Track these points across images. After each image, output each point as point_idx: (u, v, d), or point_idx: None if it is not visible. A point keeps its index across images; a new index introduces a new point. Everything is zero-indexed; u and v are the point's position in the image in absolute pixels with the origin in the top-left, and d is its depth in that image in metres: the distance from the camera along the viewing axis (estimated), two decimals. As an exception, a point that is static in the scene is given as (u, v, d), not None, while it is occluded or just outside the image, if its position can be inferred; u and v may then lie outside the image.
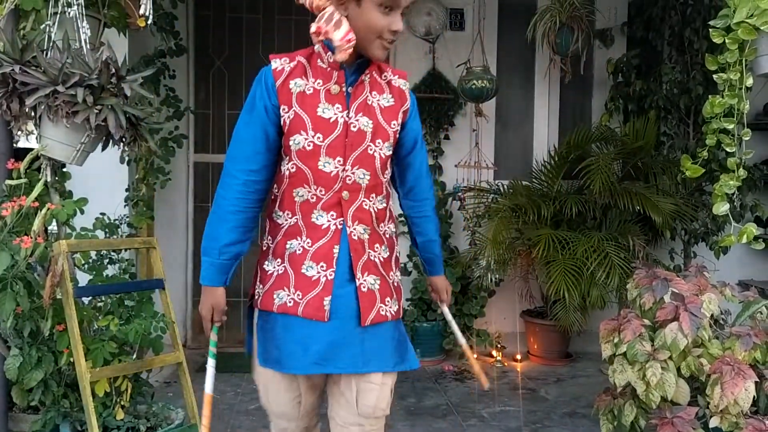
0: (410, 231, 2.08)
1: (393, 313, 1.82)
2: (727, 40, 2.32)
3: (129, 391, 2.48)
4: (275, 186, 1.89)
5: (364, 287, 1.78)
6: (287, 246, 1.80)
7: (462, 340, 2.33)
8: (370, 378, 1.80)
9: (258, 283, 1.87)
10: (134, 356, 2.52)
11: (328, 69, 1.77)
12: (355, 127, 1.77)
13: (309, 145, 1.75)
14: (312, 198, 1.78)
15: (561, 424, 3.30)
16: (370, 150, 1.78)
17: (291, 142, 1.76)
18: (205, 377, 1.91)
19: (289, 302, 1.77)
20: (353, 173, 1.78)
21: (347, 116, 1.76)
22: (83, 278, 2.69)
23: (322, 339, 1.74)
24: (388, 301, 1.81)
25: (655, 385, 2.19)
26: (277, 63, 1.78)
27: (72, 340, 2.33)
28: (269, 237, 1.88)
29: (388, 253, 1.86)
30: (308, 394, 1.87)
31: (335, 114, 1.75)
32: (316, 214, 1.78)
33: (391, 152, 1.84)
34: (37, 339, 2.40)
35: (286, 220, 1.82)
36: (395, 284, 1.87)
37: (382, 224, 1.85)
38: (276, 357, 1.79)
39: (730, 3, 2.29)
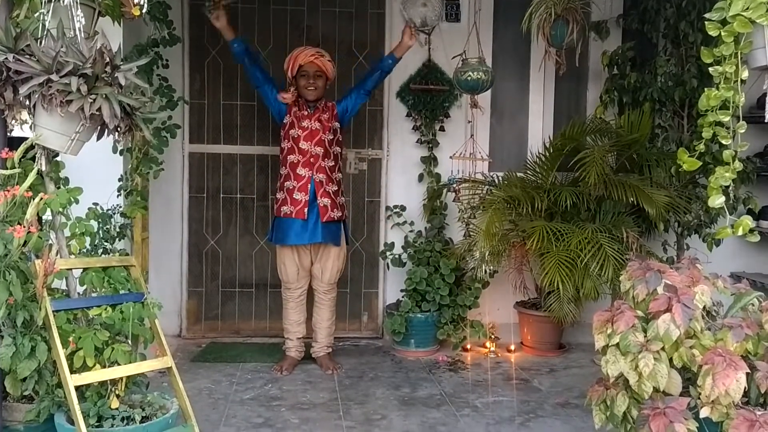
0: (371, 72, 3.95)
1: (336, 217, 3.79)
2: (722, 33, 2.31)
3: (124, 380, 2.49)
4: (280, 155, 3.89)
5: (321, 204, 3.74)
6: (285, 185, 3.79)
7: None
8: (330, 250, 3.85)
9: (274, 204, 3.87)
10: (129, 343, 2.51)
11: (304, 103, 3.84)
12: (314, 128, 3.80)
13: (296, 135, 3.79)
14: (296, 161, 3.78)
15: (554, 415, 3.32)
16: (322, 138, 3.79)
17: (289, 133, 3.81)
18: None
19: (288, 212, 3.74)
20: (315, 149, 3.78)
21: (311, 124, 3.79)
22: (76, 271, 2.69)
23: (306, 228, 3.72)
24: (334, 211, 3.78)
25: (647, 375, 2.21)
26: (289, 102, 3.84)
27: (54, 350, 2.36)
28: (278, 182, 3.88)
29: (335, 188, 3.84)
30: (302, 264, 3.86)
31: (307, 123, 3.80)
32: (299, 168, 3.77)
33: (333, 137, 3.82)
34: (31, 328, 2.39)
35: (285, 171, 3.82)
36: (340, 204, 3.84)
37: (333, 173, 3.83)
38: (284, 237, 3.76)
39: (726, -5, 2.29)
